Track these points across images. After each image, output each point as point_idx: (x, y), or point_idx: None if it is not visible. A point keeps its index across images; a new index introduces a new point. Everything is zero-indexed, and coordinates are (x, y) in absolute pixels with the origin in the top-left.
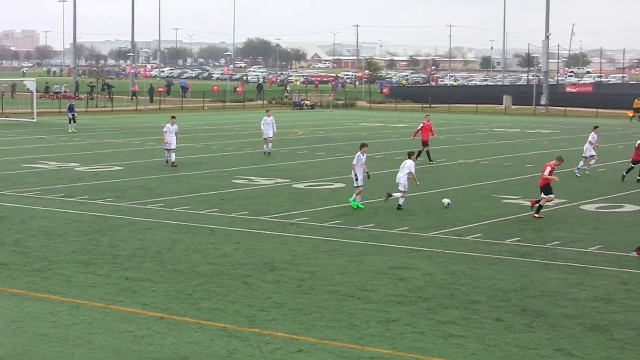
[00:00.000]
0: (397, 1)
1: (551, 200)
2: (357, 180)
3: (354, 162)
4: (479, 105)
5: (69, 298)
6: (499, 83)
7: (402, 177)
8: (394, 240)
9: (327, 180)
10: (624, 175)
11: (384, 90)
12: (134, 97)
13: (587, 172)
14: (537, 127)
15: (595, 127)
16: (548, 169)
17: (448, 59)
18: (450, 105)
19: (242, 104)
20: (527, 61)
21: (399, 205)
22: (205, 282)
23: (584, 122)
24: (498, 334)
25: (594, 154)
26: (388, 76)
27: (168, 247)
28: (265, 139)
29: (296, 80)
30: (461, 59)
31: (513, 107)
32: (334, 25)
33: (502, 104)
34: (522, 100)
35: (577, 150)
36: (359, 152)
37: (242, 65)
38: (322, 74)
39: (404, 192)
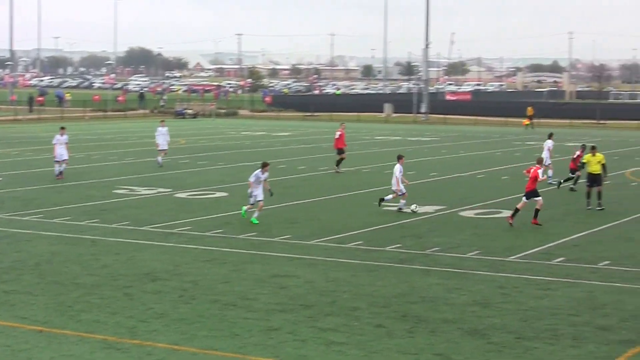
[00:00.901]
0: (280, 10)
1: (522, 206)
2: (251, 197)
3: (251, 179)
4: (360, 114)
5: None
6: (380, 91)
7: (394, 183)
8: (275, 249)
9: (210, 189)
10: (572, 188)
11: (266, 99)
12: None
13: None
14: (417, 135)
15: (551, 135)
16: (539, 171)
17: (330, 68)
18: (333, 113)
19: (123, 113)
20: (408, 70)
21: (400, 208)
22: (85, 293)
23: (462, 130)
24: (379, 340)
25: (549, 162)
26: (270, 85)
27: (47, 259)
28: (159, 150)
29: (178, 90)
30: (343, 68)
31: (394, 115)
32: (217, 34)
33: (383, 112)
34: (403, 109)
35: (457, 157)
36: (258, 171)
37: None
38: (205, 82)
39: (403, 194)
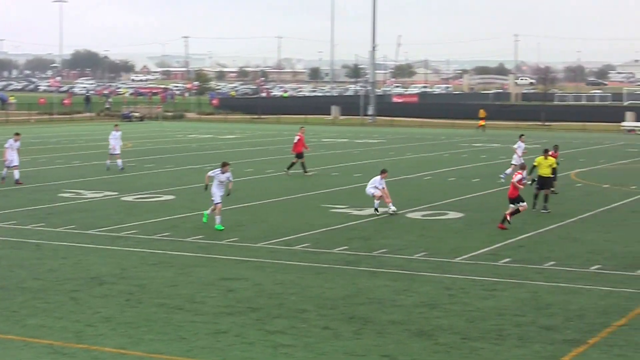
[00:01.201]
0: (227, 13)
1: (525, 209)
2: (213, 196)
3: (210, 173)
4: (308, 116)
5: None
6: (328, 94)
7: (368, 190)
8: (223, 252)
9: (156, 192)
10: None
11: (213, 101)
12: None
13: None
14: (364, 137)
15: (521, 136)
16: (518, 176)
17: (277, 70)
18: (280, 116)
19: (69, 116)
20: (355, 72)
21: (375, 208)
22: (31, 298)
23: (409, 132)
24: (326, 342)
25: (523, 162)
26: (218, 87)
27: None
28: (111, 154)
29: (125, 92)
30: (290, 70)
31: (341, 117)
32: (163, 37)
33: (330, 114)
34: (350, 111)
35: (404, 160)
36: (217, 170)
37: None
38: (152, 85)
39: (375, 195)
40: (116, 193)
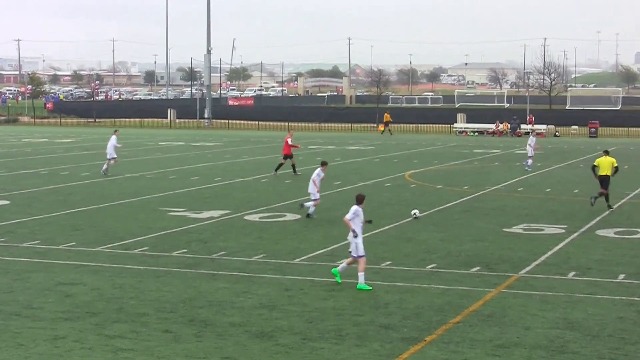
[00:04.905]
0: (59, 16)
1: None
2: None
3: (349, 216)
4: (144, 120)
5: None
6: (164, 97)
7: (310, 187)
8: (60, 257)
9: None
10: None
11: (47, 105)
12: None
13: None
14: (201, 140)
15: (533, 131)
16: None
17: (112, 74)
18: (116, 119)
19: None
20: (191, 75)
21: (308, 213)
22: None
23: (246, 135)
24: (167, 346)
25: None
26: (52, 91)
27: None
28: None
29: None
30: (125, 74)
31: (178, 120)
32: None
33: (167, 117)
34: (186, 114)
35: (240, 162)
36: (356, 207)
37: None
38: None
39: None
40: None
